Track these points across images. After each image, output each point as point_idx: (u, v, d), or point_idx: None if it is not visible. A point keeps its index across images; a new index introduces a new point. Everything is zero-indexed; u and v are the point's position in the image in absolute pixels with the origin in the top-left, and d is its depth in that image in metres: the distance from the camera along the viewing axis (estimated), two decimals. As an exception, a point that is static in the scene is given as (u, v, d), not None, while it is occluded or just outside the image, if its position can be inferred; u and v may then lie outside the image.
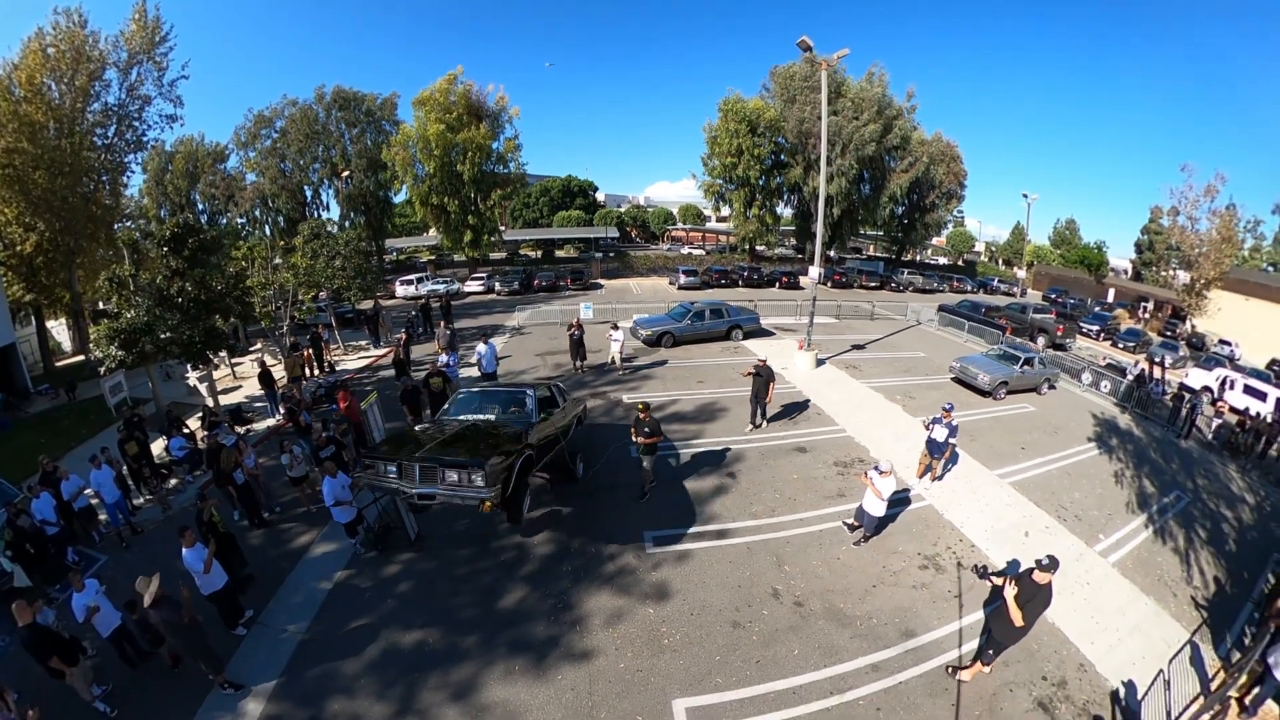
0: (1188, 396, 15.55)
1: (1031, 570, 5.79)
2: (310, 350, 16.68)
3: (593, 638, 6.51)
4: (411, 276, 32.45)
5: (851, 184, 36.55)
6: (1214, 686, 6.43)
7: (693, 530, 8.62)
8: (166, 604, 5.42)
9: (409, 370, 14.92)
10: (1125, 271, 52.11)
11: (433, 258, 43.22)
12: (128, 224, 25.62)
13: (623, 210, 68.25)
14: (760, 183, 37.48)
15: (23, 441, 12.94)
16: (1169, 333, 30.34)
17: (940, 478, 10.55)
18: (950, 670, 6.32)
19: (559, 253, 51.54)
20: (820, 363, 17.80)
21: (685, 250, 52.19)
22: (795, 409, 13.86)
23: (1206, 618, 7.50)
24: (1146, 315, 35.46)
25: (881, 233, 51.20)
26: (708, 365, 17.45)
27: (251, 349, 20.72)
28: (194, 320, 13.17)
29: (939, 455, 10.21)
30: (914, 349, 21.37)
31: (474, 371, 15.20)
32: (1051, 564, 5.64)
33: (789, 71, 37.43)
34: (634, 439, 8.98)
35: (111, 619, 6.01)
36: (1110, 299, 38.41)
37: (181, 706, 5.79)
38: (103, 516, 9.19)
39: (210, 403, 14.41)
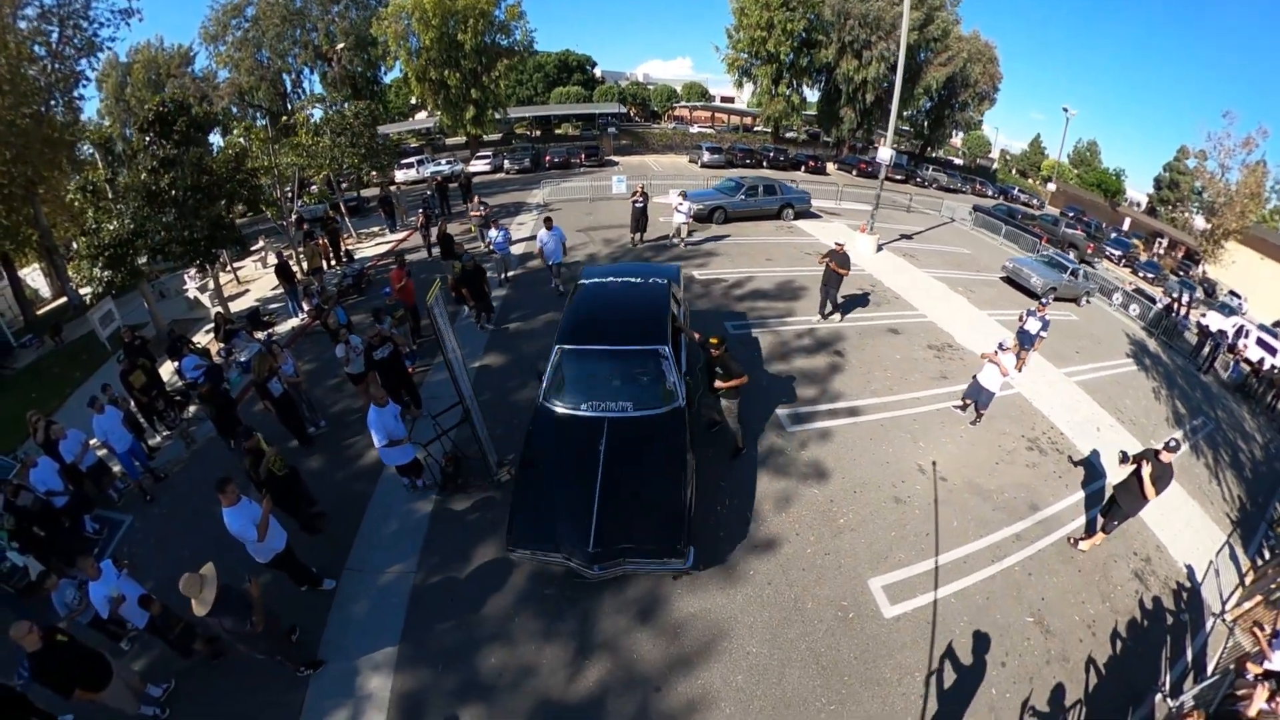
0: (1212, 334, 16.80)
1: (1159, 451, 6.79)
2: (325, 239, 15.34)
3: (769, 525, 6.63)
4: (410, 159, 29.99)
5: (890, 70, 34.42)
6: (1248, 581, 7.80)
7: (825, 408, 9.00)
8: (228, 604, 4.16)
9: (455, 249, 13.60)
10: (1139, 204, 52.55)
11: (422, 142, 39.85)
12: (88, 151, 21.28)
13: (623, 87, 63.83)
14: (789, 60, 35.27)
15: (11, 404, 11.04)
16: (1182, 273, 31.52)
17: (1021, 370, 11.23)
18: (1072, 541, 7.44)
19: (558, 131, 48.41)
20: (879, 248, 17.73)
21: (694, 129, 50.26)
22: (871, 291, 14.33)
23: (1236, 527, 8.83)
24: (1161, 252, 36.55)
25: (907, 127, 48.72)
26: (770, 243, 17.29)
27: (253, 249, 19.09)
28: (194, 213, 11.50)
29: (1029, 347, 10.85)
30: (957, 245, 21.64)
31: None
32: (1176, 446, 6.71)
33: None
34: (714, 386, 6.84)
35: (133, 613, 4.85)
36: (1125, 228, 38.96)
37: (277, 702, 4.81)
38: (117, 469, 7.68)
39: (218, 311, 12.64)
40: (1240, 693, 5.19)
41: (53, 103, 18.04)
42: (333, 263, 15.73)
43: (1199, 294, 26.61)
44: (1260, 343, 18.45)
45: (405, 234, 18.41)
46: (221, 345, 10.58)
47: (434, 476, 6.87)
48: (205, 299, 14.22)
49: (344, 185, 21.03)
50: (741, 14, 34.84)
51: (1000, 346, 8.62)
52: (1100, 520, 7.46)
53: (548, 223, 12.15)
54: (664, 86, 65.92)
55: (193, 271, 14.47)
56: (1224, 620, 7.08)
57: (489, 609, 5.53)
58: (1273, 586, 7.42)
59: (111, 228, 10.77)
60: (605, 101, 52.54)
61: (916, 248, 19.65)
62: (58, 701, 4.19)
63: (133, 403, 8.32)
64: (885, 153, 17.61)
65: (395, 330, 8.64)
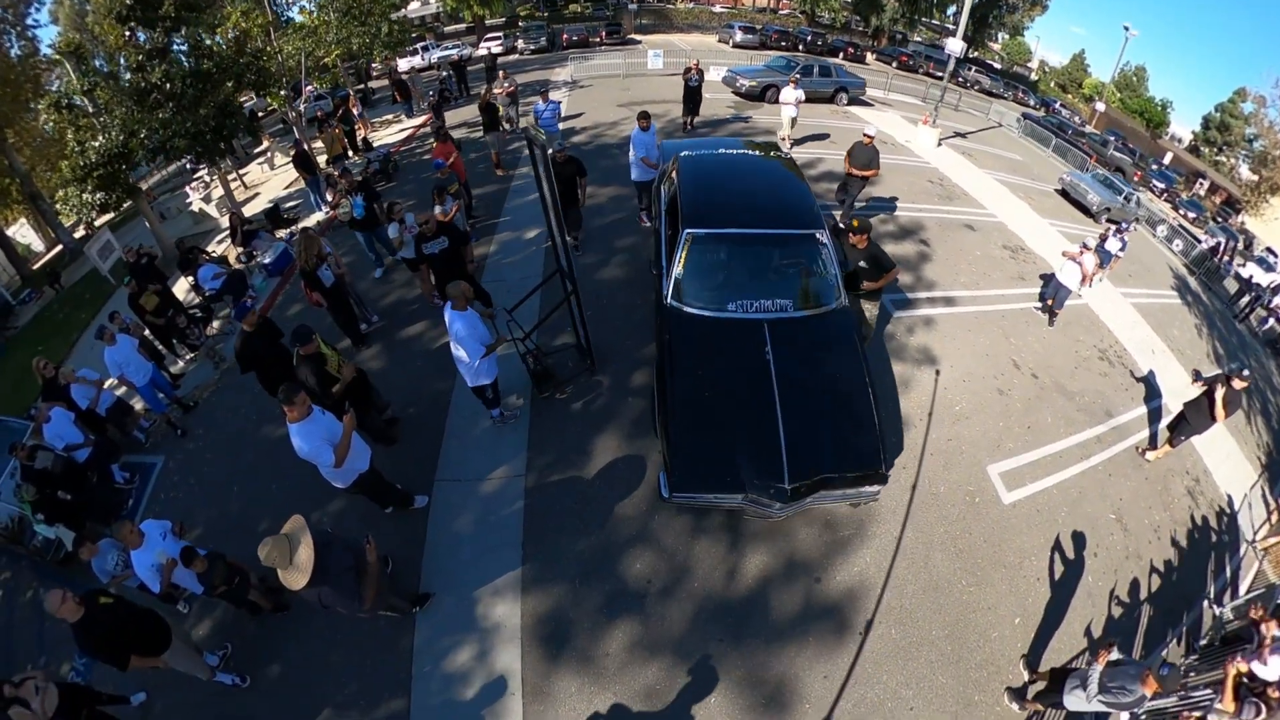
0: (1253, 286, 17.01)
1: (1230, 376, 7.06)
2: (341, 127, 13.38)
3: (897, 409, 6.52)
4: (414, 46, 27.12)
5: None
6: (1273, 518, 8.32)
7: (923, 296, 8.90)
8: (331, 570, 3.21)
9: (499, 120, 12.00)
10: (1181, 141, 51.45)
11: (420, 31, 35.12)
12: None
13: None
14: None
15: (20, 362, 10.14)
16: (1221, 219, 31.44)
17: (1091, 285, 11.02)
18: (1140, 450, 7.86)
19: (566, 12, 43.73)
20: (940, 143, 16.72)
21: (718, 9, 46.79)
22: (939, 185, 13.82)
23: (1265, 469, 9.35)
24: (1201, 193, 35.67)
25: (950, 25, 43.85)
26: (830, 125, 15.77)
27: (255, 151, 17.38)
28: (195, 103, 9.79)
29: (1106, 265, 10.63)
30: (1009, 151, 20.83)
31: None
32: (1249, 374, 7.07)
33: None
34: (861, 285, 6.08)
35: (187, 579, 4.00)
36: (1167, 162, 37.58)
37: (380, 652, 4.10)
38: (139, 406, 6.60)
39: (233, 212, 10.76)
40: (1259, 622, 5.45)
41: (5, 40, 16.66)
42: (351, 154, 14.16)
43: (1239, 244, 26.68)
44: None
45: (425, 118, 17.06)
46: (241, 250, 9.15)
47: (541, 379, 6.00)
48: (212, 209, 12.96)
49: (351, 71, 19.65)
50: None
51: (1084, 245, 8.69)
52: (1167, 434, 7.77)
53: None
54: None
55: (194, 183, 13.30)
56: (1254, 548, 7.67)
57: (623, 509, 4.98)
58: None
59: (98, 144, 9.28)
60: None
61: (972, 147, 18.75)
62: (129, 681, 3.60)
63: (147, 329, 7.34)
64: (956, 44, 16.56)
65: (453, 203, 7.63)
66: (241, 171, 16.16)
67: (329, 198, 10.73)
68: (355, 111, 16.34)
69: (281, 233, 10.29)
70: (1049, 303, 9.29)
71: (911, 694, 4.41)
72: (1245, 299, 16.46)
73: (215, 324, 8.46)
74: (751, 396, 4.50)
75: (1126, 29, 37.21)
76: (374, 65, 24.22)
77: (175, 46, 10.56)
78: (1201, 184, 37.69)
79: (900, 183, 12.98)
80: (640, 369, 6.38)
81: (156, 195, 13.92)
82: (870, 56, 34.76)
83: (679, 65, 20.02)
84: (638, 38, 32.44)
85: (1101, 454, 7.34)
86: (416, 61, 26.87)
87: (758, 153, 7.17)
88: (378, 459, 4.44)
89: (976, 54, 50.00)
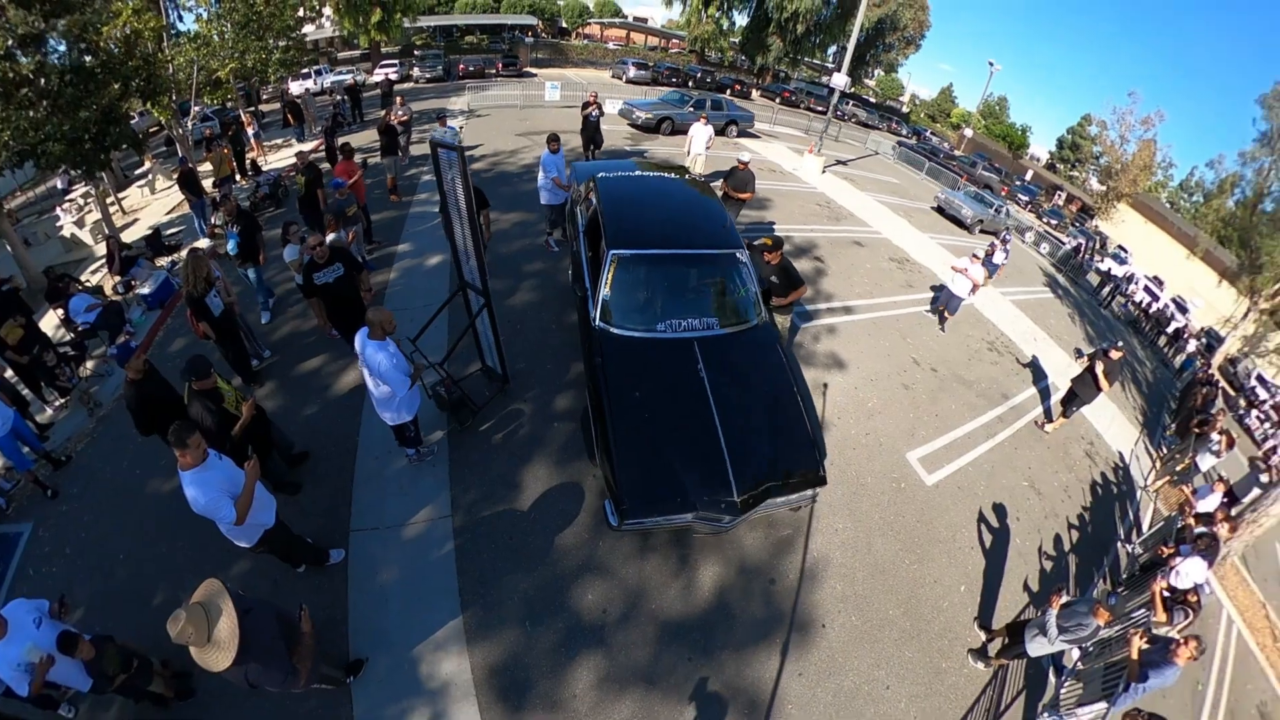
0: (1113, 277, 21.10)
1: (1108, 350, 8.79)
2: (230, 148, 13.55)
3: (817, 410, 7.36)
4: (307, 69, 28.02)
5: (824, 4, 37.45)
6: (1158, 465, 10.15)
7: (824, 307, 10.01)
8: (259, 643, 2.89)
9: (399, 143, 12.40)
10: (1039, 160, 62.36)
11: (313, 55, 35.29)
12: None
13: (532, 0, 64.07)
14: None
15: None
16: (1079, 224, 37.81)
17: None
18: (1039, 424, 9.27)
19: (463, 43, 47.09)
20: (824, 170, 19.16)
21: (611, 45, 53.70)
22: (827, 207, 15.82)
23: (1143, 428, 11.39)
24: (1060, 203, 43.33)
25: (830, 63, 51.78)
26: (723, 156, 17.41)
27: (136, 173, 16.72)
28: (75, 103, 9.28)
29: (993, 274, 12.66)
30: (887, 175, 24.15)
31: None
32: (1122, 346, 8.86)
33: None
34: (771, 302, 6.57)
35: (71, 674, 3.43)
36: (1028, 178, 45.71)
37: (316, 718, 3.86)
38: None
39: (110, 237, 10.34)
40: (1166, 553, 6.75)
41: None
42: (239, 177, 14.02)
43: (1097, 244, 32.68)
44: (1146, 289, 23.75)
45: (316, 143, 17.19)
46: (118, 279, 8.66)
47: (456, 411, 5.95)
48: (86, 234, 12.21)
49: (242, 91, 19.24)
50: None
51: (974, 256, 10.51)
52: (1060, 407, 9.26)
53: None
54: (575, 2, 66.47)
55: (67, 204, 12.44)
56: (1148, 492, 9.32)
57: (563, 540, 5.06)
58: (1177, 470, 9.72)
59: None
60: (514, 13, 53.57)
61: (853, 173, 21.53)
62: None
63: (8, 368, 6.67)
64: (840, 79, 19.54)
65: (351, 231, 7.74)
66: (120, 194, 15.06)
67: (214, 220, 10.45)
68: (250, 131, 16.20)
69: (163, 261, 9.91)
70: (941, 309, 10.75)
71: (884, 673, 4.87)
72: (1106, 289, 20.22)
73: (89, 364, 7.72)
74: (690, 415, 4.81)
75: (991, 64, 45.02)
76: (266, 86, 24.09)
77: (54, 38, 9.78)
78: (1060, 195, 45.30)
79: (792, 206, 14.63)
80: (562, 393, 6.60)
81: (20, 218, 12.74)
82: (755, 93, 39.29)
83: (575, 98, 21.97)
84: (533, 71, 34.70)
85: (1005, 431, 8.59)
86: (310, 85, 27.40)
87: (672, 175, 7.82)
88: (281, 511, 4.20)
89: (854, 89, 57.90)
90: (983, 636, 5.45)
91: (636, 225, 6.15)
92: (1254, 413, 22.07)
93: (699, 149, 12.91)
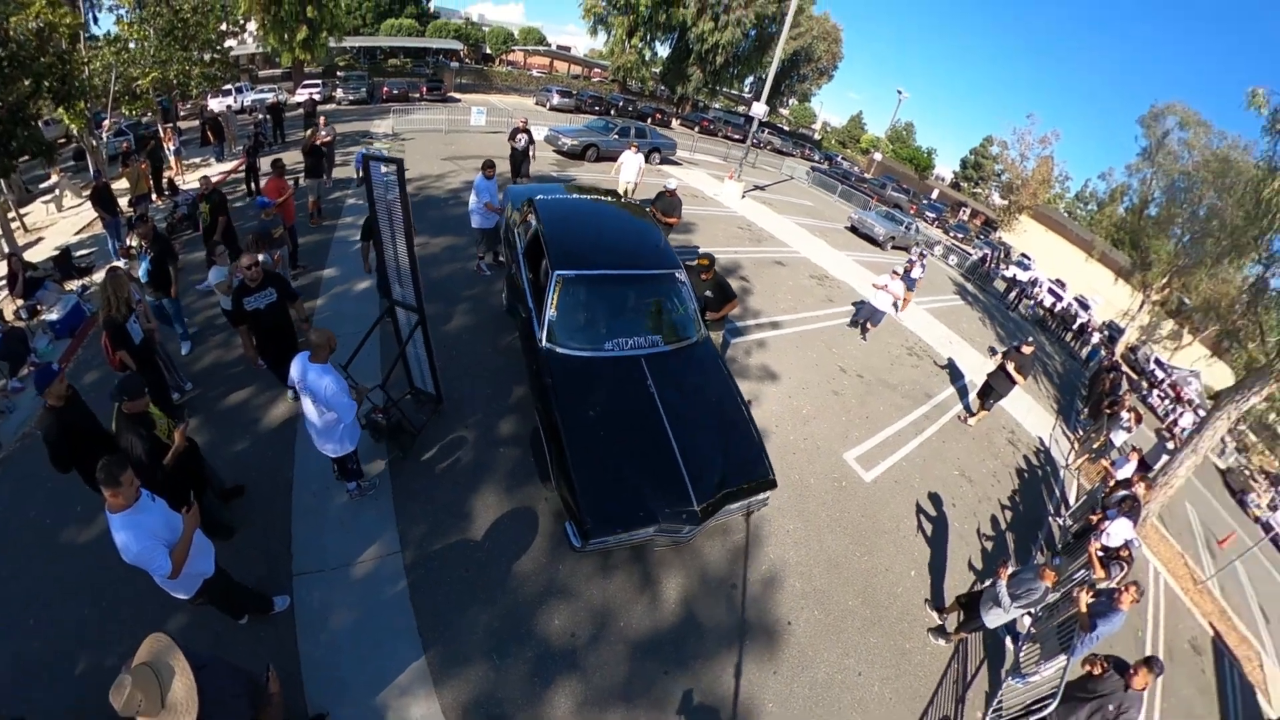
0: (1018, 283, 23.87)
1: (1019, 346, 9.87)
2: (148, 164, 13.07)
3: (756, 420, 7.94)
4: (229, 86, 27.98)
5: (743, 37, 40.71)
6: (1076, 445, 11.41)
7: (753, 323, 10.71)
8: (220, 703, 2.62)
9: (325, 165, 12.29)
10: (944, 179, 69.02)
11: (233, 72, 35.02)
12: None
13: (459, 24, 65.45)
14: (647, 15, 38.98)
15: None
16: (983, 237, 42.33)
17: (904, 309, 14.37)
18: (962, 418, 10.23)
19: (387, 65, 47.87)
20: (744, 195, 20.52)
21: (535, 73, 55.05)
22: (748, 230, 16.94)
23: (1059, 414, 12.75)
24: (966, 218, 48.14)
25: (748, 93, 55.88)
26: (649, 183, 18.32)
27: (40, 187, 15.71)
28: None
29: (912, 289, 14.03)
30: (803, 199, 26.06)
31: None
32: (1032, 341, 9.94)
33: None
34: (705, 315, 6.96)
35: None
36: (934, 197, 50.56)
37: None
38: None
39: (12, 255, 9.84)
40: (1095, 519, 7.69)
41: None
42: (155, 196, 13.36)
43: (1001, 253, 36.50)
44: (1050, 291, 27.20)
45: (236, 163, 16.78)
46: (21, 303, 8.15)
47: (394, 438, 5.86)
48: None
49: (161, 104, 18.67)
50: None
51: (894, 273, 11.80)
52: (979, 402, 10.25)
53: (487, 169, 10.02)
54: (500, 28, 68.20)
55: None
56: (1069, 470, 10.46)
57: (521, 566, 5.10)
58: (1094, 447, 10.98)
59: None
60: (439, 37, 54.59)
61: (771, 197, 23.11)
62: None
63: None
64: (759, 108, 21.37)
65: (276, 254, 7.50)
66: (23, 210, 13.88)
67: (129, 242, 9.74)
68: (170, 148, 15.49)
69: (73, 284, 9.28)
70: (864, 323, 11.74)
71: (854, 661, 5.24)
72: (1013, 293, 22.68)
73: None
74: (644, 430, 5.07)
75: (900, 93, 49.81)
76: (186, 102, 23.46)
77: None
78: (964, 211, 50.24)
79: (715, 230, 15.57)
80: (504, 418, 6.67)
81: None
82: (675, 121, 41.81)
83: (501, 124, 22.58)
84: (457, 96, 35.16)
85: (932, 427, 9.46)
86: (230, 102, 26.93)
87: (607, 199, 8.21)
88: (218, 556, 3.93)
89: (770, 118, 62.23)
90: (936, 618, 5.98)
91: (579, 246, 6.44)
92: (1155, 392, 25.47)
93: (630, 176, 13.54)
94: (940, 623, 5.87)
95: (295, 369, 4.42)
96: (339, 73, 36.75)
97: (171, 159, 16.03)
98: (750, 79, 49.06)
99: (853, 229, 21.98)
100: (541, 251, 6.38)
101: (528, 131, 13.80)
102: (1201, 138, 22.81)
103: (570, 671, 4.51)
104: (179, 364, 6.83)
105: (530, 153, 13.91)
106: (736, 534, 6.03)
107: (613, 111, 36.24)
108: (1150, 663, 4.50)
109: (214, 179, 9.91)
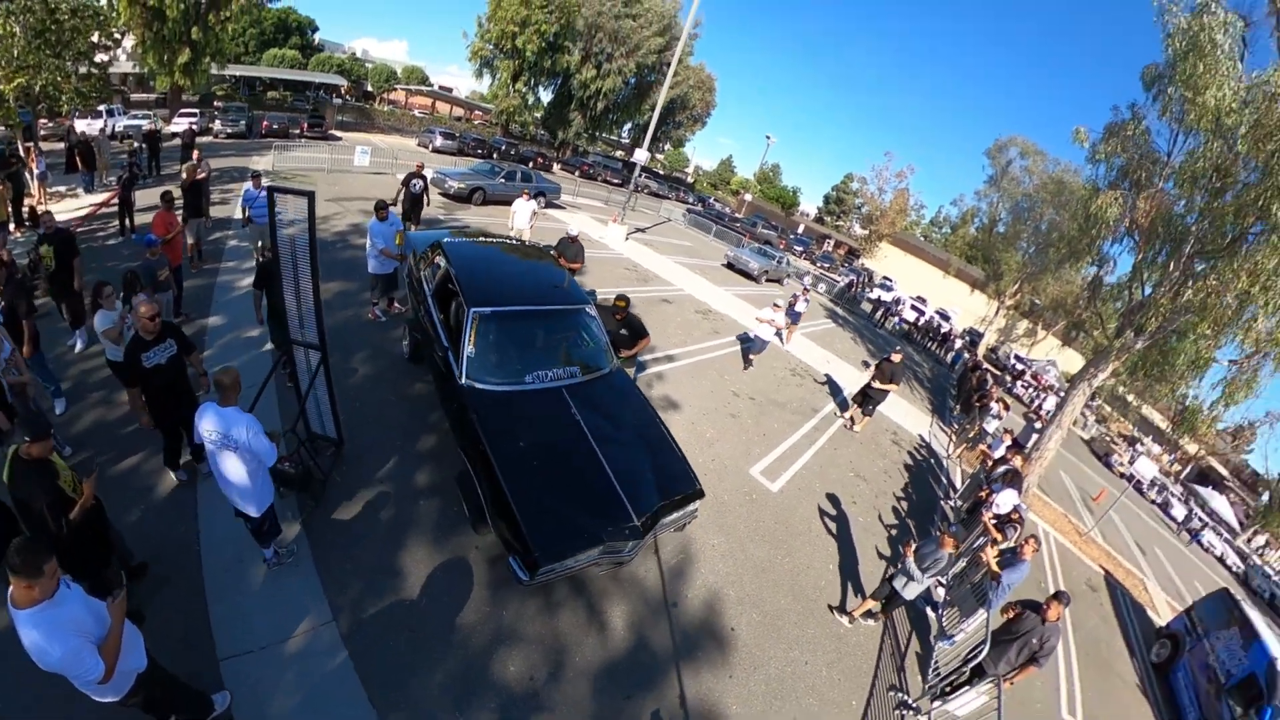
0: (883, 303, 27.36)
1: (889, 356, 11.41)
2: (7, 186, 11.88)
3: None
4: (101, 107, 26.24)
5: (624, 85, 44.31)
6: (954, 437, 13.33)
7: (649, 358, 11.42)
8: None
9: (206, 205, 11.67)
10: (808, 215, 76.85)
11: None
12: None
13: (340, 60, 65.81)
14: (533, 60, 41.10)
15: None
16: (848, 264, 47.51)
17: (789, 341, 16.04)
18: (848, 426, 11.59)
19: (268, 97, 46.79)
20: (627, 237, 22.08)
21: (417, 113, 55.60)
22: (634, 270, 18.14)
23: (934, 412, 14.78)
24: (830, 249, 53.70)
25: (626, 139, 60.93)
26: (538, 228, 19.16)
27: None
28: None
29: (796, 322, 15.80)
30: (681, 239, 28.10)
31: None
32: (899, 350, 11.64)
33: (595, -40, 41.92)
34: (620, 351, 7.74)
35: None
36: (800, 231, 56.20)
37: None
38: None
39: None
40: (983, 495, 9.18)
41: None
42: (13, 227, 11.84)
43: (866, 278, 40.81)
44: (913, 307, 30.78)
45: (108, 195, 15.22)
46: None
47: (305, 488, 5.70)
48: None
49: (24, 118, 16.55)
50: (499, 6, 39.35)
51: (775, 305, 13.12)
52: (860, 410, 11.62)
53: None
54: (383, 66, 68.82)
55: None
56: (951, 459, 12.14)
57: (465, 618, 5.17)
58: (970, 437, 12.87)
59: None
60: (322, 72, 54.68)
61: (652, 239, 24.82)
62: None
63: None
64: (641, 154, 23.16)
65: (157, 299, 6.54)
66: None
67: None
68: (34, 169, 13.80)
69: None
70: (749, 353, 12.99)
71: (798, 653, 5.85)
72: (879, 313, 25.97)
73: None
74: (575, 456, 5.40)
75: (768, 138, 54.86)
76: (50, 120, 21.45)
77: None
78: (829, 243, 56.40)
79: (603, 271, 16.43)
80: (418, 467, 6.66)
81: None
82: (556, 166, 43.40)
83: (385, 164, 22.68)
84: (338, 134, 34.77)
85: (822, 437, 10.67)
86: (101, 125, 24.25)
87: (511, 240, 8.73)
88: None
89: (647, 163, 66.18)
90: (847, 621, 6.64)
91: (491, 285, 6.79)
92: (1018, 383, 30.15)
93: (522, 223, 14.05)
94: (848, 615, 6.60)
95: (208, 422, 4.22)
96: (217, 103, 35.07)
97: (34, 184, 14.29)
98: (629, 125, 52.61)
99: (729, 265, 24.09)
100: (453, 292, 6.70)
101: (423, 176, 13.90)
102: (1040, 164, 28.39)
103: (538, 713, 4.66)
104: (54, 425, 6.29)
105: (425, 198, 14.10)
106: (667, 555, 6.49)
107: (495, 155, 36.95)
108: (1058, 596, 5.57)
109: (69, 215, 9.12)
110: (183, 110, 29.52)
